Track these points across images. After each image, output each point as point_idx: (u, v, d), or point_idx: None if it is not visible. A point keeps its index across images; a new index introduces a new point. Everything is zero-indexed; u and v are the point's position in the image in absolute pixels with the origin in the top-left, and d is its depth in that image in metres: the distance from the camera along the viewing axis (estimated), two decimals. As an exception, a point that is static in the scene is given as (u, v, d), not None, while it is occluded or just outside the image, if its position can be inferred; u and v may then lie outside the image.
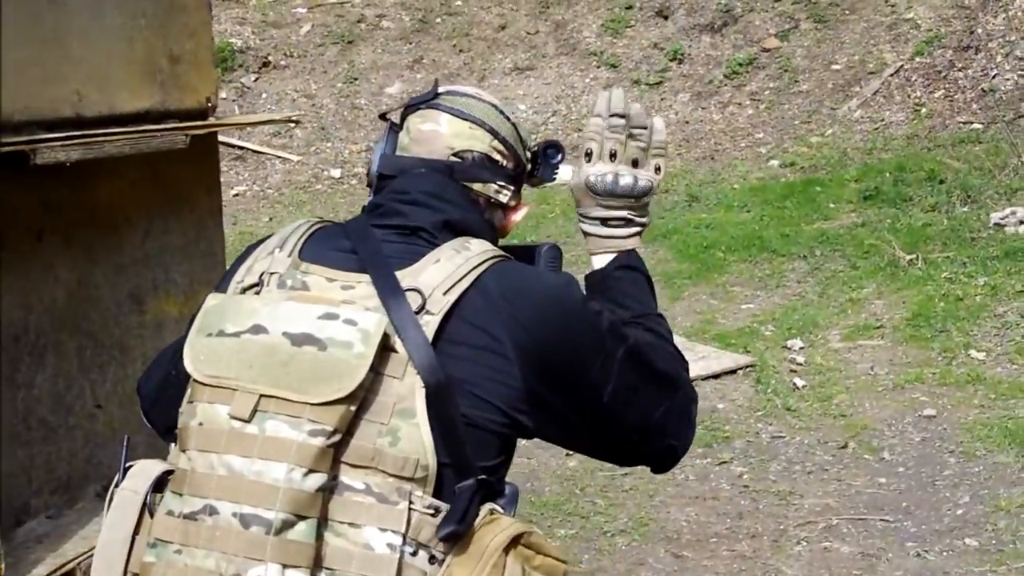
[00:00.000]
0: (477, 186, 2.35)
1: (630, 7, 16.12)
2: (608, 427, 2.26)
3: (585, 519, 6.21)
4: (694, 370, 7.94)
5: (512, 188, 2.41)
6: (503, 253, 2.24)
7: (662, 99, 14.90)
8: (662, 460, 2.38)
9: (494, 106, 2.41)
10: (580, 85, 15.37)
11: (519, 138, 2.43)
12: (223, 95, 15.13)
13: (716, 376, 7.97)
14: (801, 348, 8.29)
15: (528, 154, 2.47)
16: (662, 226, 11.14)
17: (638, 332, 2.33)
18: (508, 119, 2.41)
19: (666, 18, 15.89)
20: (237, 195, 13.96)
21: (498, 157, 2.38)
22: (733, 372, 8.01)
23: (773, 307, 9.14)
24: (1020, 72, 12.87)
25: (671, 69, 15.28)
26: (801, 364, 8.05)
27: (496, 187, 2.37)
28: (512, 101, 15.21)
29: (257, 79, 16.04)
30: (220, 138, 5.15)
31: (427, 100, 2.39)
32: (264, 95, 15.79)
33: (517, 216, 2.46)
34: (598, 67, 15.51)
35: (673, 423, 2.32)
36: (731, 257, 10.16)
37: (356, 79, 15.66)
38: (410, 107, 2.41)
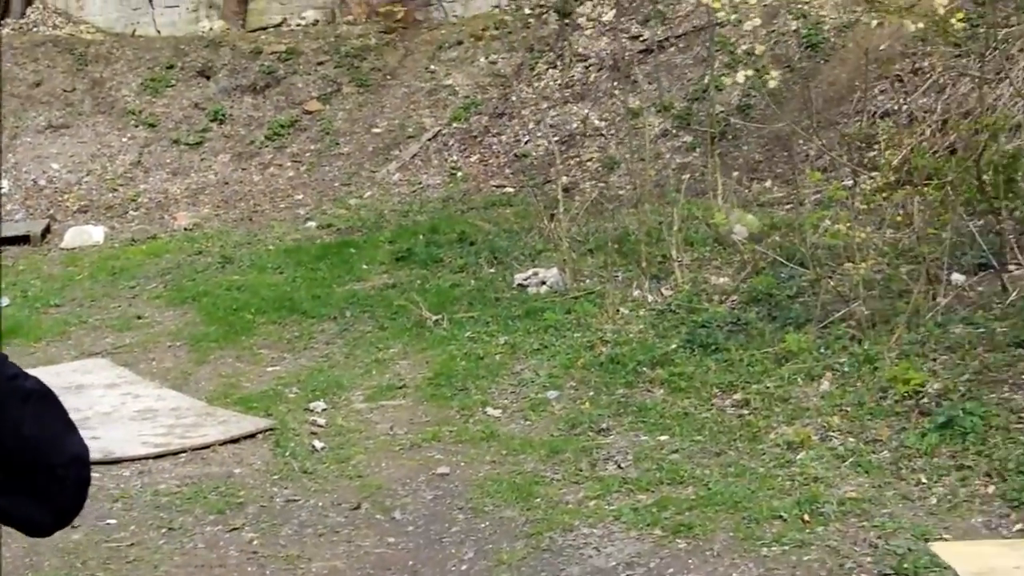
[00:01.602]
0: None
1: (171, 67, 15.83)
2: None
3: (82, 594, 5.89)
4: (213, 435, 7.79)
5: None
6: None
7: (202, 159, 14.67)
8: (79, 490, 2.35)
9: None
10: (117, 144, 14.93)
11: None
12: None
13: (235, 441, 7.78)
14: (324, 410, 8.22)
15: None
16: (192, 288, 10.90)
17: None
18: None
19: (208, 78, 15.69)
20: None
21: None
22: (253, 436, 7.84)
23: (299, 369, 9.05)
24: (550, 139, 13.37)
25: (212, 129, 15.08)
26: (322, 426, 7.97)
27: None
28: (46, 160, 14.60)
29: None
30: None
31: None
32: None
33: None
34: (136, 126, 15.14)
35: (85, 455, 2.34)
36: (260, 319, 10.02)
37: None
38: None
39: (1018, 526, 5.69)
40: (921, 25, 9.50)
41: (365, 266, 11.16)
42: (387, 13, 16.57)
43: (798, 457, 6.68)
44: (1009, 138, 10.15)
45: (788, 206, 11.15)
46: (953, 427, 6.50)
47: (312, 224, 12.86)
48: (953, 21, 8.01)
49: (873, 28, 12.18)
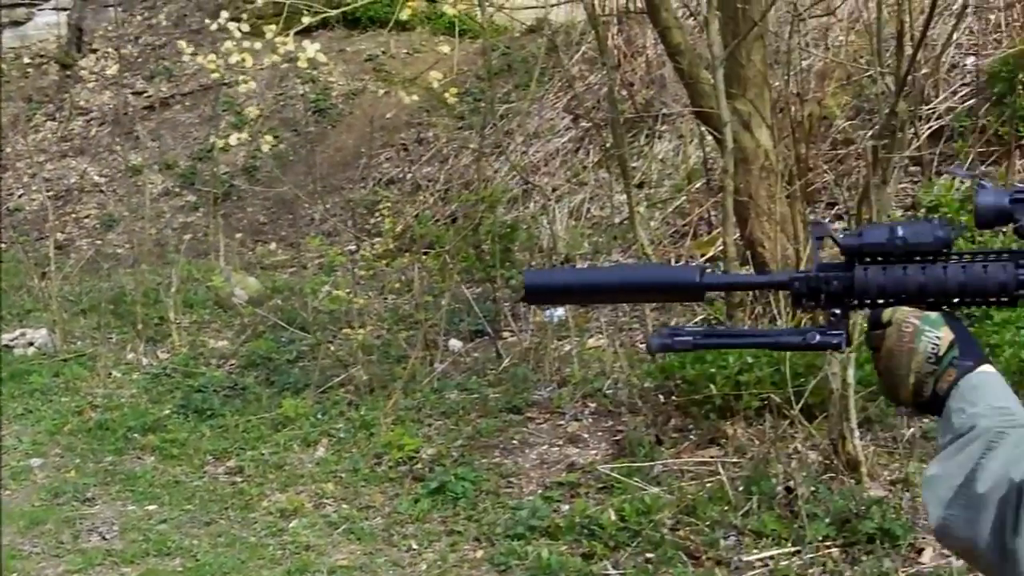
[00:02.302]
0: None
1: None
2: None
3: None
4: None
5: None
6: None
7: None
8: None
9: None
10: None
11: None
12: None
13: None
14: None
15: None
16: None
17: None
18: None
19: None
20: None
21: None
22: None
23: None
24: (44, 193, 12.72)
25: None
26: None
27: None
28: None
29: None
30: None
31: None
32: None
33: None
34: None
35: None
36: None
37: None
38: None
39: (506, 589, 5.75)
40: (416, 97, 9.66)
41: None
42: None
43: (291, 525, 6.51)
44: (507, 209, 10.48)
45: (291, 269, 11.07)
46: (445, 492, 6.52)
47: None
48: (448, 96, 8.15)
49: (380, 97, 12.34)
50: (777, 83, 8.26)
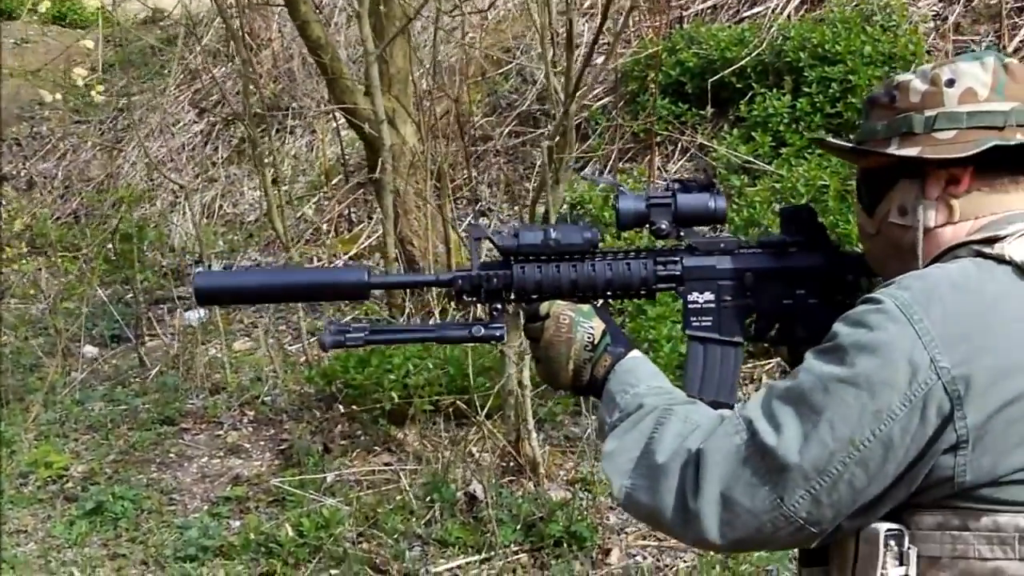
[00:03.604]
0: None
1: None
2: None
3: None
4: None
5: None
6: None
7: None
8: None
9: None
10: None
11: None
12: None
13: None
14: None
15: None
16: None
17: None
18: None
19: None
20: None
21: None
22: None
23: None
24: None
25: None
26: None
27: None
28: None
29: None
30: None
31: None
32: None
33: None
34: None
35: None
36: None
37: None
38: None
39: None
40: (60, 96, 9.16)
41: None
42: None
43: None
44: (133, 207, 10.07)
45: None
46: (103, 513, 6.18)
47: None
48: (94, 94, 7.73)
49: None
50: (417, 78, 8.25)
